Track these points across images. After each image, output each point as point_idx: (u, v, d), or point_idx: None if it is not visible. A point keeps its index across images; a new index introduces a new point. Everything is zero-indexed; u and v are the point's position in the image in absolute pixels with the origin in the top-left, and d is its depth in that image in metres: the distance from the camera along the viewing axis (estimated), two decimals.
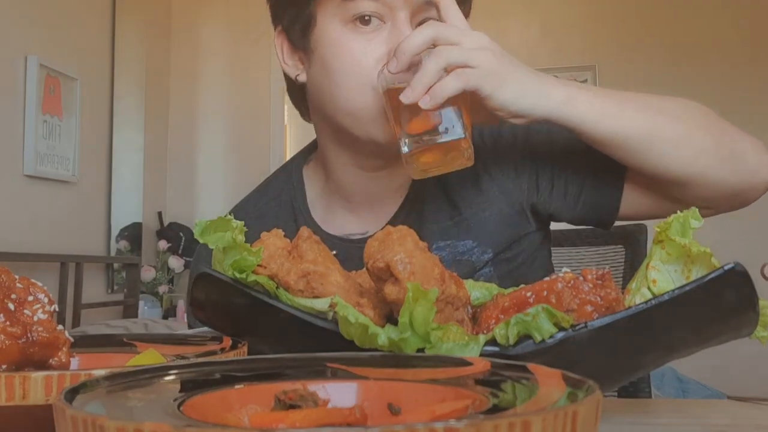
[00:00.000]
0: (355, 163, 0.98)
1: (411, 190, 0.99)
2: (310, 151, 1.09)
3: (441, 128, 0.80)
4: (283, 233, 0.66)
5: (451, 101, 0.79)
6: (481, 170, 0.97)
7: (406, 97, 0.79)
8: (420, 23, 0.89)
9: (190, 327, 1.07)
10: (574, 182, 0.96)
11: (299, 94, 1.02)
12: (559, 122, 0.84)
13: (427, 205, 0.98)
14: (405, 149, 0.81)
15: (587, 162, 0.95)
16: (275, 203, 1.06)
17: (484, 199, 0.97)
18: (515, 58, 0.84)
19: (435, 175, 0.85)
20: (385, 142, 0.90)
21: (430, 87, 0.79)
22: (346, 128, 0.93)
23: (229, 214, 0.65)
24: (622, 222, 1.45)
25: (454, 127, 0.80)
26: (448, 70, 0.80)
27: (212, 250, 0.64)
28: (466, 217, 0.97)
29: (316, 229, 0.99)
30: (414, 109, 0.80)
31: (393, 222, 0.98)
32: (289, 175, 1.08)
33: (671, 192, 0.91)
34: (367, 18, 0.88)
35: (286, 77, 1.01)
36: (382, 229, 0.96)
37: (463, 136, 0.79)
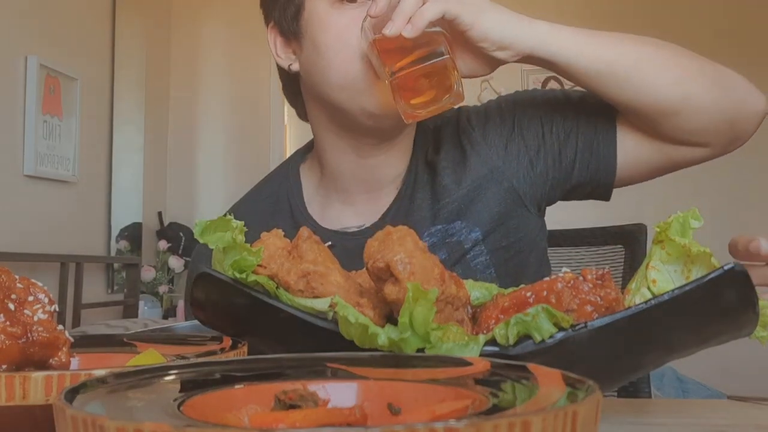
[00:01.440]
0: (352, 149, 0.99)
1: (405, 183, 1.00)
2: (307, 150, 1.10)
3: (425, 52, 0.81)
4: (282, 233, 0.66)
5: (432, 30, 0.81)
6: (469, 149, 0.98)
7: (388, 30, 0.80)
8: None
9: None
10: (567, 147, 0.96)
11: (294, 88, 1.04)
12: (543, 55, 0.85)
13: (419, 193, 0.99)
14: (392, 81, 0.82)
15: (577, 122, 0.96)
16: (272, 200, 1.07)
17: (472, 177, 0.97)
18: None
19: (426, 117, 0.87)
20: (379, 111, 0.92)
21: (411, 17, 0.80)
22: (340, 104, 0.95)
23: (229, 213, 0.65)
24: (622, 222, 1.46)
25: (437, 51, 0.81)
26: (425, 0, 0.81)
27: (211, 249, 0.64)
28: (455, 198, 0.97)
29: (313, 225, 1.00)
30: (398, 47, 0.82)
31: (388, 213, 0.99)
32: (286, 173, 1.10)
33: (664, 129, 0.90)
34: None
35: (281, 72, 1.04)
36: (379, 220, 0.99)
37: (446, 55, 0.80)
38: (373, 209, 1.01)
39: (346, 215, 1.02)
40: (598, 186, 0.98)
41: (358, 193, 1.02)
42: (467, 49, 0.87)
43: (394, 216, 0.98)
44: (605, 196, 1.00)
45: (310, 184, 1.07)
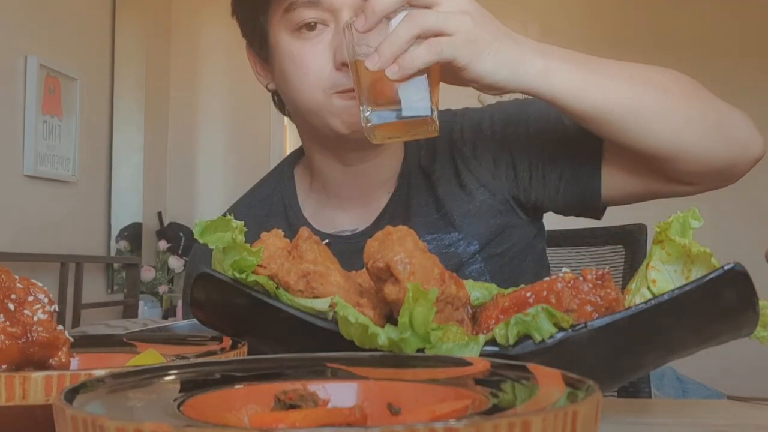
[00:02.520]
0: (337, 158, 1.00)
1: (398, 186, 1.00)
2: (301, 153, 1.11)
3: (405, 103, 0.74)
4: (282, 233, 0.66)
5: (420, 73, 0.74)
6: (461, 165, 0.98)
7: (372, 63, 0.73)
8: None
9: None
10: (552, 170, 0.95)
11: (279, 99, 1.05)
12: (536, 95, 0.80)
13: (414, 199, 0.99)
14: (366, 122, 0.76)
15: (565, 148, 0.94)
16: (267, 203, 1.08)
17: (467, 192, 0.97)
18: (496, 20, 0.79)
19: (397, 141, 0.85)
20: (352, 134, 0.92)
21: (399, 56, 0.73)
22: (314, 126, 0.96)
23: (228, 213, 0.65)
24: (622, 222, 1.46)
25: (420, 102, 0.74)
26: (421, 36, 0.74)
27: (210, 250, 0.64)
28: (450, 210, 0.97)
29: (307, 227, 1.00)
30: (379, 76, 0.74)
31: (381, 217, 0.99)
32: (281, 174, 1.10)
33: (657, 168, 0.88)
34: (311, 24, 0.91)
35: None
36: (372, 224, 0.99)
37: (429, 114, 0.74)
38: (366, 213, 1.01)
39: (340, 219, 1.02)
40: (585, 210, 0.97)
41: (350, 197, 1.02)
42: (457, 74, 0.79)
43: (389, 222, 0.98)
44: (595, 217, 0.99)
45: (304, 186, 1.07)
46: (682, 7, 4.13)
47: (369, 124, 0.76)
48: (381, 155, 0.99)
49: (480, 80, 0.77)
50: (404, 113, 0.74)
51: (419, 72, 0.74)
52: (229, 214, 0.64)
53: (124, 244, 4.08)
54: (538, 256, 1.03)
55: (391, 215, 0.99)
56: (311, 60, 0.91)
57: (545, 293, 0.55)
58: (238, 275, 0.61)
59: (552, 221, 1.07)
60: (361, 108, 0.77)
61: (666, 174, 0.88)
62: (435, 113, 0.75)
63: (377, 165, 1.00)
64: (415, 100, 0.74)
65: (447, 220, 0.97)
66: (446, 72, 0.77)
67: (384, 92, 0.75)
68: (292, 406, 0.39)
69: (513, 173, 0.97)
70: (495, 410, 0.36)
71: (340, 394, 0.42)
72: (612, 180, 0.93)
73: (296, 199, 1.06)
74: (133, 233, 4.16)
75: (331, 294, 0.60)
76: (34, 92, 3.34)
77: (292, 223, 1.02)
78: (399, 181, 1.00)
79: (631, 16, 4.16)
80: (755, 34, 4.03)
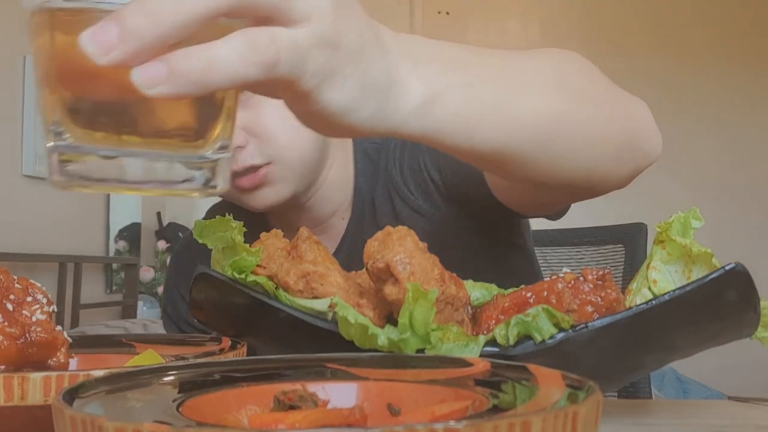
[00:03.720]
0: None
1: (352, 214, 0.98)
2: None
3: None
4: (282, 233, 0.66)
5: (214, 98, 0.40)
6: (393, 192, 0.96)
7: (98, 45, 0.35)
8: None
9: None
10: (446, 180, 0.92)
11: None
12: (412, 137, 0.51)
13: (366, 227, 0.97)
14: (53, 154, 0.39)
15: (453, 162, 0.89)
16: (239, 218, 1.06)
17: (400, 221, 0.94)
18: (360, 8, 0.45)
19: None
20: (264, 210, 0.91)
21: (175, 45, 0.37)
22: None
23: (228, 214, 0.65)
24: (622, 222, 1.46)
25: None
26: (232, 15, 0.37)
27: (191, 259, 0.64)
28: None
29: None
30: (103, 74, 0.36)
31: (341, 246, 0.98)
32: None
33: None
34: None
35: None
36: (335, 251, 0.95)
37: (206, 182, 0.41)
38: (327, 239, 0.99)
39: None
40: (512, 214, 0.91)
41: (310, 227, 1.00)
42: (292, 100, 0.45)
43: (350, 249, 0.96)
44: (555, 217, 0.93)
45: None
46: (682, 7, 4.13)
47: (60, 159, 0.38)
48: (322, 187, 0.96)
49: (329, 117, 0.45)
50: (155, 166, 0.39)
51: (213, 96, 0.40)
52: (228, 214, 0.64)
53: (122, 245, 4.08)
54: (522, 256, 1.01)
55: (350, 242, 0.97)
56: None
57: (545, 293, 0.55)
58: (237, 275, 0.61)
59: (552, 221, 1.07)
60: (45, 124, 0.39)
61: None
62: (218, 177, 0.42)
63: (321, 200, 0.97)
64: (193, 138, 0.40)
65: None
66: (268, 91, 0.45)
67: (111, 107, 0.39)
68: (292, 407, 0.39)
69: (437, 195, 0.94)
70: (495, 411, 0.36)
71: (339, 394, 0.42)
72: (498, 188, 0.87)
73: (265, 216, 1.04)
74: (131, 233, 4.17)
75: (330, 294, 0.59)
76: (33, 92, 3.34)
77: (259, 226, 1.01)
78: (352, 208, 0.99)
79: (631, 16, 4.17)
80: (755, 35, 4.04)
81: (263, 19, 0.39)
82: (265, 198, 0.90)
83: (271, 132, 0.86)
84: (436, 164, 0.94)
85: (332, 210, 0.99)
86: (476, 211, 0.94)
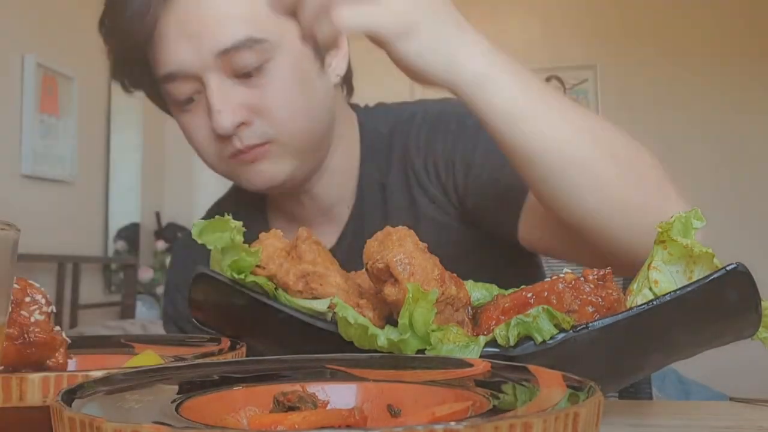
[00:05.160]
0: (282, 192, 0.98)
1: (356, 201, 0.99)
2: None
3: None
4: (281, 234, 0.65)
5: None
6: (412, 179, 0.96)
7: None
8: (236, 72, 0.86)
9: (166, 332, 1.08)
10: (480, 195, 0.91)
11: None
12: (464, 101, 0.66)
13: (367, 214, 0.97)
14: None
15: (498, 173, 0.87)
16: (238, 216, 1.06)
17: (415, 207, 0.95)
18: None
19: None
20: (260, 189, 0.92)
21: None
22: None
23: (227, 214, 0.64)
24: None
25: None
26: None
27: (190, 259, 0.64)
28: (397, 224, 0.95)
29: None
30: None
31: (344, 235, 0.98)
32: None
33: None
34: (188, 98, 0.89)
35: None
36: (336, 243, 0.96)
37: None
38: (330, 230, 0.99)
39: None
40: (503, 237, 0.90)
41: (313, 216, 1.00)
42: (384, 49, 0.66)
43: (352, 238, 0.97)
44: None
45: (274, 202, 1.06)
46: (681, 8, 4.13)
47: None
48: (325, 175, 0.97)
49: (406, 62, 0.64)
50: None
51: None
52: (228, 214, 0.63)
53: (121, 245, 4.08)
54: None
55: (353, 231, 0.98)
56: (196, 134, 0.91)
57: (546, 294, 0.55)
58: (236, 276, 0.60)
59: None
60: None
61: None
62: None
63: (326, 187, 0.98)
64: None
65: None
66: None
67: None
68: (291, 408, 0.39)
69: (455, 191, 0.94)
70: (495, 412, 0.36)
71: (339, 395, 0.42)
72: (530, 224, 0.85)
73: (265, 214, 1.05)
74: (130, 233, 4.17)
75: (330, 295, 0.59)
76: (31, 91, 3.34)
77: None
78: (357, 195, 0.99)
79: (630, 17, 4.17)
80: (755, 35, 4.04)
81: None
82: (265, 173, 0.90)
83: (274, 111, 0.88)
84: (467, 185, 0.92)
85: (337, 197, 0.99)
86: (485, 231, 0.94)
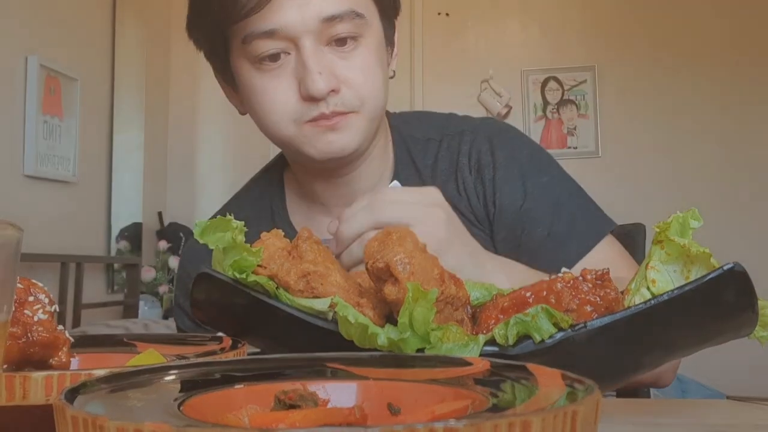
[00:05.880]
0: (320, 173, 1.00)
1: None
2: None
3: None
4: (282, 233, 0.66)
5: None
6: (461, 185, 0.99)
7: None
8: (330, 41, 0.89)
9: (179, 330, 1.08)
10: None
11: None
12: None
13: None
14: None
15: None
16: (257, 206, 1.07)
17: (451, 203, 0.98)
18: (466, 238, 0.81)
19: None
20: (327, 161, 0.93)
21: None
22: (287, 153, 0.98)
23: (229, 214, 0.65)
24: (621, 222, 1.46)
25: None
26: (377, 227, 0.75)
27: (202, 253, 0.64)
28: None
29: (293, 234, 1.00)
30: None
31: None
32: (272, 177, 1.10)
33: None
34: (273, 55, 0.89)
35: None
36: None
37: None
38: None
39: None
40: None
41: (338, 205, 1.01)
42: None
43: None
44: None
45: (294, 192, 1.07)
46: (680, 9, 4.13)
47: None
48: (363, 163, 0.99)
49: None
50: None
51: None
52: (229, 214, 0.64)
53: (124, 244, 4.08)
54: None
55: None
56: (276, 93, 0.91)
57: (545, 293, 0.55)
58: (238, 275, 0.61)
59: None
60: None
61: None
62: None
63: (362, 173, 1.00)
64: None
65: None
66: None
67: None
68: (292, 406, 0.39)
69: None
70: (495, 410, 0.36)
71: (339, 394, 0.42)
72: None
73: (284, 204, 1.06)
74: (133, 233, 4.16)
75: (331, 294, 0.60)
76: (34, 92, 3.34)
77: (278, 228, 1.02)
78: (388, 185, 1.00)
79: (630, 17, 4.16)
80: (755, 36, 4.03)
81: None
82: (336, 142, 0.92)
83: (362, 83, 0.91)
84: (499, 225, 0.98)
85: (369, 188, 1.00)
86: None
